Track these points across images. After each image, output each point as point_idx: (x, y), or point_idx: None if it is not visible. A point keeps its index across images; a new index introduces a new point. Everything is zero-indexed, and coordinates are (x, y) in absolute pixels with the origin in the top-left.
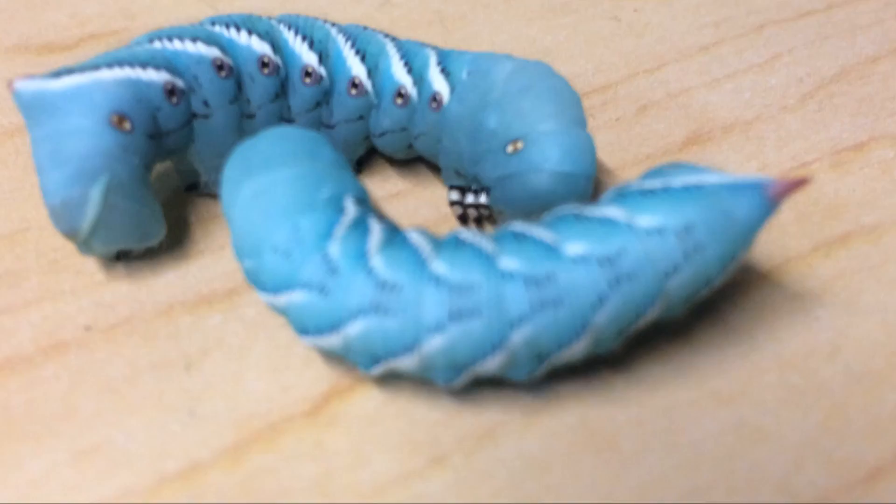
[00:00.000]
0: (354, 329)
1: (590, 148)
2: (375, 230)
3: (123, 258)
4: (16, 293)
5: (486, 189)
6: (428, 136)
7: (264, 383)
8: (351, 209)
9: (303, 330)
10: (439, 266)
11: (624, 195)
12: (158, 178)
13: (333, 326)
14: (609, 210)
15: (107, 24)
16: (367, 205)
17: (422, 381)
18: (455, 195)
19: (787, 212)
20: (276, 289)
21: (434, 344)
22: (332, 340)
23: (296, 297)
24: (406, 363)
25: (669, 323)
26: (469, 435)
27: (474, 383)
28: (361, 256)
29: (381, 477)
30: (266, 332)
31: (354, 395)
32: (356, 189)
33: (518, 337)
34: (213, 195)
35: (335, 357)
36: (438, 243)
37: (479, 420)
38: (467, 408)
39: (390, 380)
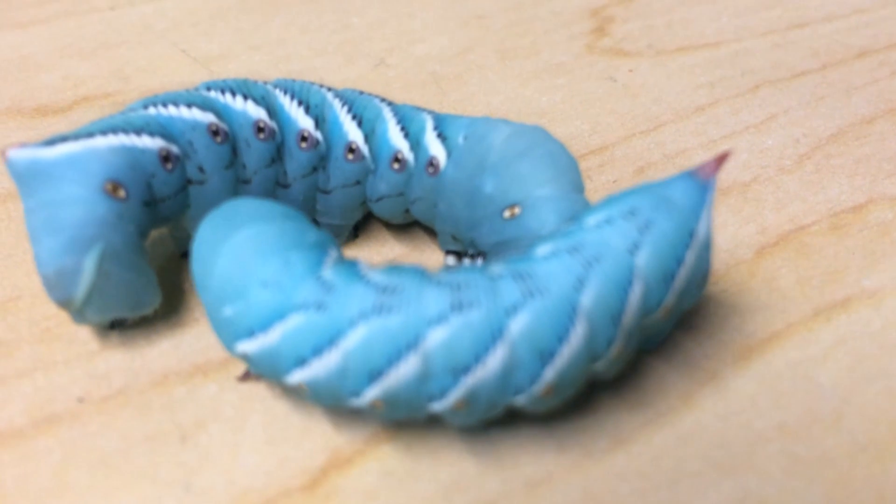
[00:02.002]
0: (355, 337)
1: None
2: (363, 264)
3: (118, 327)
4: (7, 363)
5: (482, 254)
6: (425, 200)
7: (261, 456)
8: (335, 252)
9: (298, 360)
10: (439, 276)
11: (572, 217)
12: (153, 244)
13: (332, 340)
14: (562, 227)
15: (100, 86)
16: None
17: (416, 410)
18: (452, 260)
19: (787, 276)
20: (265, 324)
21: (437, 337)
22: (331, 360)
23: (290, 323)
24: (408, 368)
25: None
26: None
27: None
28: (356, 275)
29: None
30: (262, 403)
31: (353, 469)
32: (337, 246)
33: (515, 326)
34: None
35: (327, 398)
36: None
37: (479, 494)
38: (468, 481)
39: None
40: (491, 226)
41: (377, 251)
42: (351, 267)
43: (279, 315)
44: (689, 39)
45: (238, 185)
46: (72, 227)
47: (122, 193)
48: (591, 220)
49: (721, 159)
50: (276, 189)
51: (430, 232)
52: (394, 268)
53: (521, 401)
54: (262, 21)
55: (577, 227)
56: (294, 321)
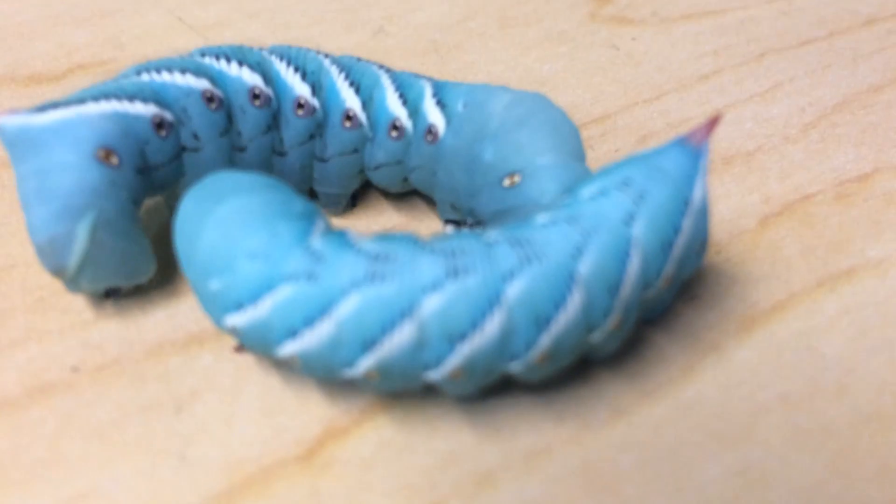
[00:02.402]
0: (348, 306)
1: None
2: (353, 233)
3: (112, 296)
4: (1, 333)
5: (482, 223)
6: (423, 169)
7: (257, 426)
8: (322, 223)
9: (290, 331)
10: (432, 243)
11: (567, 189)
12: (148, 212)
13: (324, 310)
14: (558, 199)
15: (95, 54)
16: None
17: (411, 380)
18: (451, 230)
19: (791, 245)
20: (254, 296)
21: (432, 304)
22: (323, 330)
23: (280, 294)
24: (403, 336)
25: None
26: (467, 479)
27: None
28: (347, 243)
29: None
30: (258, 373)
31: (349, 438)
32: (324, 216)
33: (512, 291)
34: None
35: (320, 369)
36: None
37: (478, 464)
38: (466, 451)
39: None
40: (490, 194)
41: (375, 220)
42: (340, 236)
43: (268, 286)
44: (694, 7)
45: (233, 153)
46: (64, 195)
47: (114, 160)
48: (586, 192)
49: (712, 124)
50: (272, 157)
51: (429, 201)
52: (385, 235)
53: (515, 367)
54: None
55: (573, 199)
56: (284, 292)
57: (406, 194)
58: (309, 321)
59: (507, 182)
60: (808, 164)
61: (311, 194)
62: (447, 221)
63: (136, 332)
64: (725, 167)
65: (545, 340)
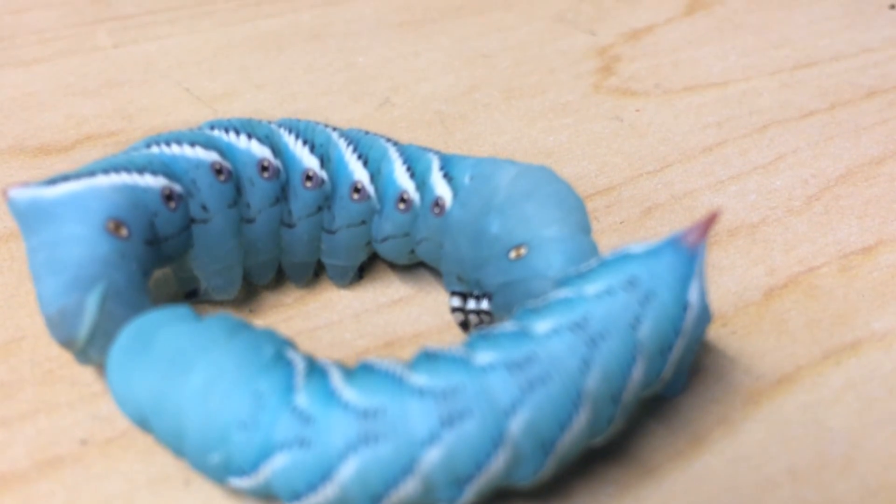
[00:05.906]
0: (348, 470)
1: (594, 254)
2: (332, 368)
3: None
4: (10, 405)
5: (488, 295)
6: (430, 241)
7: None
8: (297, 359)
9: (294, 495)
10: (418, 378)
11: (566, 280)
12: (157, 284)
13: (325, 476)
14: (558, 293)
15: (103, 125)
16: (302, 352)
17: None
18: (456, 301)
19: (797, 318)
20: (253, 465)
21: (432, 457)
22: (329, 493)
23: (277, 463)
24: (409, 490)
25: (675, 421)
26: None
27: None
28: (331, 396)
29: None
30: None
31: None
32: (287, 341)
33: (516, 426)
34: (213, 301)
35: None
36: (409, 362)
37: None
38: None
39: None
40: (497, 266)
41: (382, 292)
42: (322, 383)
43: (263, 455)
44: (697, 79)
45: (242, 225)
46: (74, 266)
47: (124, 232)
48: (590, 288)
49: (708, 223)
50: (280, 228)
51: (436, 273)
52: (367, 373)
53: (522, 485)
54: (267, 60)
55: (577, 296)
56: (280, 460)
57: (412, 266)
58: (311, 486)
59: (513, 254)
60: (813, 236)
61: (319, 266)
62: (453, 293)
63: None
64: (730, 239)
65: (552, 462)
